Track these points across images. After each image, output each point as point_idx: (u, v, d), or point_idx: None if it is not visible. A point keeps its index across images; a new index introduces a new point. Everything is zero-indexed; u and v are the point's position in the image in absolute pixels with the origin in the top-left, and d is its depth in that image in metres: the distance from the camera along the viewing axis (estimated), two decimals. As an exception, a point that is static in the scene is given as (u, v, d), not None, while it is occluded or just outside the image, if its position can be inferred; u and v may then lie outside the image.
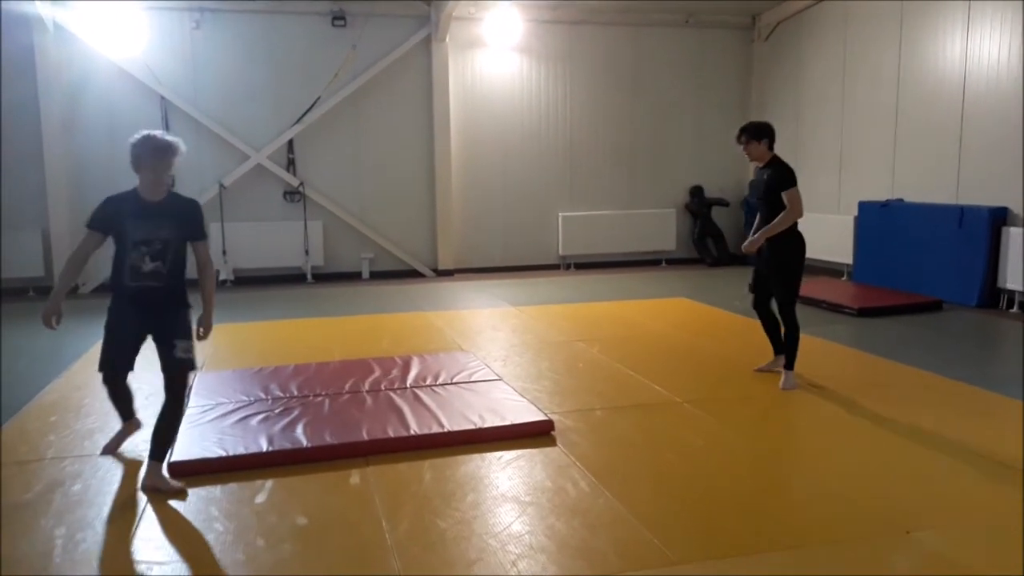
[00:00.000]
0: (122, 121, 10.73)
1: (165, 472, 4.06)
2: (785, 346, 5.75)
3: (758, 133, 5.68)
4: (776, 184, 5.56)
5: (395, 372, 5.89)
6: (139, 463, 4.34)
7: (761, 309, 5.96)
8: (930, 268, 9.31)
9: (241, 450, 4.33)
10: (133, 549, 3.38)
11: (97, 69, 10.60)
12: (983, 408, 5.22)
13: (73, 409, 5.35)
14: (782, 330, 5.88)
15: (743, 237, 13.42)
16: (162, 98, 10.80)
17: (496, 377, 5.76)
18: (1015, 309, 8.51)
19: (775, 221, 5.54)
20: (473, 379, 5.68)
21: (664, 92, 12.77)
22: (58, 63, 10.39)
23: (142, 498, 3.89)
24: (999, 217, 8.64)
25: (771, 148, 5.70)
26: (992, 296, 8.72)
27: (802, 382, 5.77)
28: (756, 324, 6.12)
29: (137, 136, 4.22)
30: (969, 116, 9.14)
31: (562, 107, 12.40)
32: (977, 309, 8.66)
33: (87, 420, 5.11)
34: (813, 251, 11.17)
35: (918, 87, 9.86)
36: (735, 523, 3.58)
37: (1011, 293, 8.60)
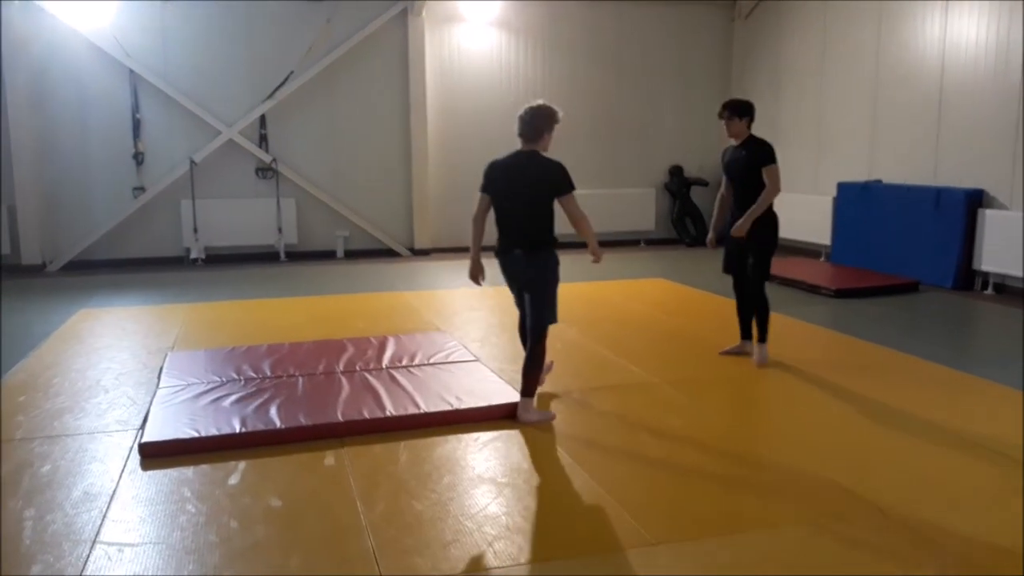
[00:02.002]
0: (91, 95, 10.53)
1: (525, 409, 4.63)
2: (758, 321, 5.80)
3: (741, 110, 5.70)
4: (757, 161, 5.58)
5: (370, 353, 5.84)
6: (108, 444, 4.27)
7: (740, 289, 5.96)
8: (907, 249, 9.37)
9: (213, 431, 4.26)
10: (103, 531, 3.32)
11: (64, 42, 10.35)
12: (958, 389, 5.27)
13: (42, 389, 5.25)
14: (754, 314, 5.94)
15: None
16: (131, 72, 10.57)
17: (473, 358, 5.74)
18: (990, 291, 8.59)
19: (759, 200, 5.55)
20: (450, 360, 5.65)
21: (644, 70, 12.71)
22: (24, 35, 10.12)
23: (113, 479, 3.82)
24: (975, 199, 8.69)
25: (750, 127, 5.74)
26: (967, 278, 8.78)
27: (779, 362, 5.78)
28: (732, 304, 6.11)
29: (537, 104, 4.88)
30: (947, 98, 9.17)
31: (541, 84, 12.30)
32: (953, 291, 8.73)
33: (56, 400, 5.02)
34: (792, 232, 11.35)
35: (897, 69, 9.88)
36: (712, 503, 3.58)
37: (986, 275, 8.67)
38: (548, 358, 4.96)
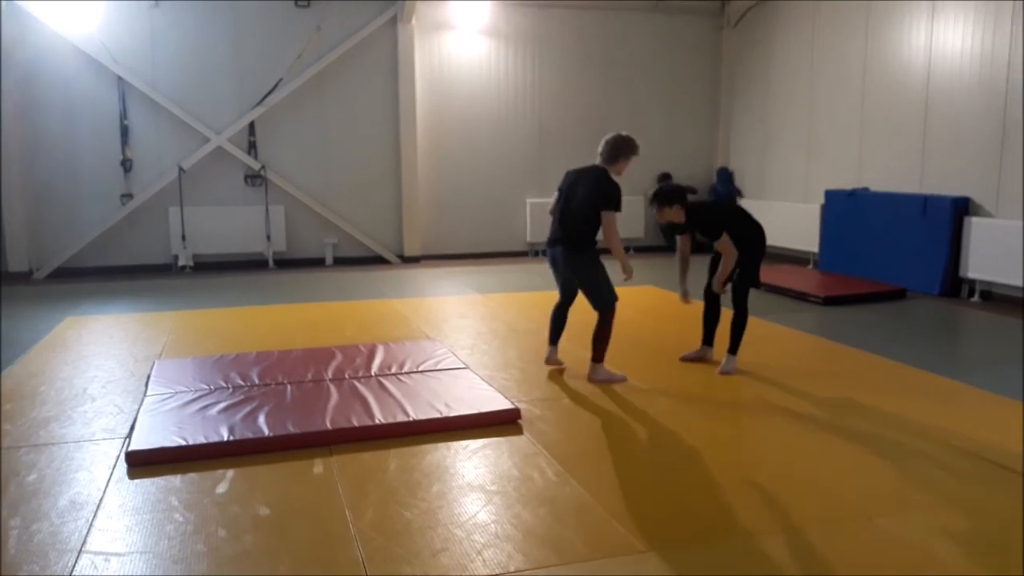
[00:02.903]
0: (78, 102, 10.51)
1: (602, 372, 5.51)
2: (733, 331, 5.79)
3: (670, 199, 5.65)
4: (712, 234, 5.61)
5: (359, 360, 5.82)
6: (95, 453, 4.24)
7: (710, 295, 5.98)
8: (894, 257, 9.43)
9: (201, 439, 4.24)
10: (90, 540, 3.29)
11: (52, 48, 10.32)
12: (945, 395, 5.29)
13: (28, 397, 5.21)
14: (719, 323, 6.01)
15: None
16: (119, 78, 10.55)
17: (463, 365, 5.72)
18: (976, 298, 8.65)
19: (721, 269, 5.65)
20: (439, 367, 5.63)
21: (634, 78, 12.77)
22: (11, 41, 10.09)
23: (99, 488, 3.79)
24: (961, 207, 8.75)
25: (684, 207, 5.68)
26: (954, 285, 8.84)
27: (767, 369, 5.80)
28: (720, 312, 6.12)
29: (623, 134, 5.42)
30: (933, 107, 9.24)
31: (531, 91, 12.34)
32: (939, 298, 8.79)
33: (43, 408, 4.98)
34: (780, 239, 11.40)
35: (884, 77, 9.96)
36: (701, 510, 3.58)
37: (972, 282, 8.73)
38: (565, 363, 5.81)
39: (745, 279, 5.72)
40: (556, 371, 5.81)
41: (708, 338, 6.08)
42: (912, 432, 4.55)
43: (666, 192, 5.69)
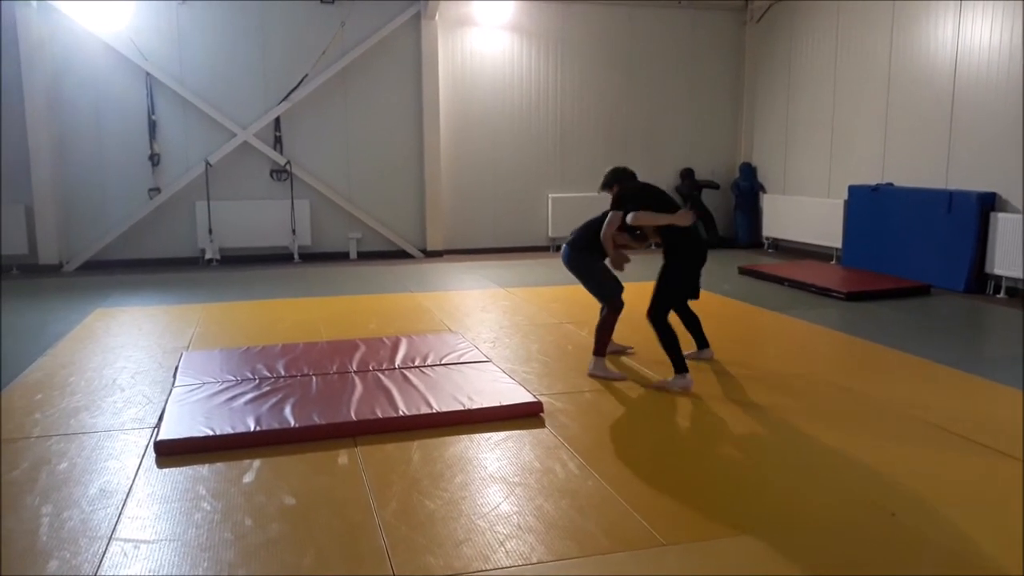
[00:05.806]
0: (107, 98, 10.63)
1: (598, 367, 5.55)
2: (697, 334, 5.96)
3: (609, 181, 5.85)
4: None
5: (383, 353, 5.87)
6: (124, 442, 4.32)
7: (683, 303, 6.04)
8: (919, 253, 9.35)
9: (228, 429, 4.30)
10: (120, 527, 3.35)
11: (81, 44, 10.46)
12: (969, 391, 5.25)
13: (58, 387, 5.31)
14: (700, 323, 6.04)
15: (733, 220, 13.49)
16: (147, 74, 10.68)
17: (485, 359, 5.76)
18: (1002, 294, 8.56)
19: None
20: (462, 360, 5.67)
21: (656, 73, 12.72)
22: (41, 38, 10.24)
23: (129, 476, 3.87)
24: (987, 202, 8.66)
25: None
26: (979, 281, 8.76)
27: (789, 364, 5.79)
28: (743, 307, 6.14)
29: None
30: (959, 101, 9.14)
31: (553, 87, 12.34)
32: (964, 294, 8.71)
33: (73, 398, 5.07)
34: (803, 234, 11.34)
35: (910, 72, 9.86)
36: (722, 504, 3.59)
37: (998, 278, 8.64)
38: (629, 343, 6.24)
39: (663, 290, 5.60)
40: (581, 365, 5.83)
41: (698, 342, 6.03)
42: (936, 428, 4.53)
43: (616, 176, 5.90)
